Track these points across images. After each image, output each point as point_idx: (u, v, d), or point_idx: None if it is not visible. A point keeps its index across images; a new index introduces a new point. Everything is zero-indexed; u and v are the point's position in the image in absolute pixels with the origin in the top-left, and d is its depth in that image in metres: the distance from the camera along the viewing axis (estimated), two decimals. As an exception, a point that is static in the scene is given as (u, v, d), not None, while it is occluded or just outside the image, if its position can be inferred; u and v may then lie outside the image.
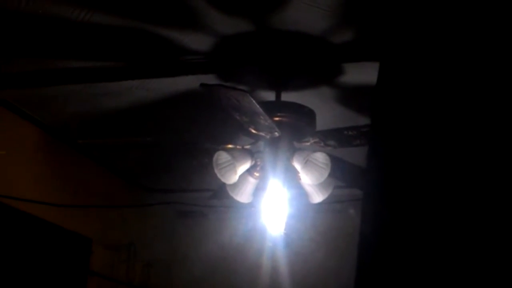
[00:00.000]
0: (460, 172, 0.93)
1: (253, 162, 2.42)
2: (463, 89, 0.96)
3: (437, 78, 1.00)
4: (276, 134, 2.32)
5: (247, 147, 2.44)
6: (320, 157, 2.31)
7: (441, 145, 0.96)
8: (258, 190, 2.52)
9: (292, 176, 2.42)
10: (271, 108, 2.35)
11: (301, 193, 2.50)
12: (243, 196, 2.50)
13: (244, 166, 2.38)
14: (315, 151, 2.34)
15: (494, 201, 0.90)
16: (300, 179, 2.40)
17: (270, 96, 2.59)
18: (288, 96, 2.56)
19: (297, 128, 2.42)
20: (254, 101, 2.06)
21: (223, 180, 2.38)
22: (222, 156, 2.34)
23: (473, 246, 0.89)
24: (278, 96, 2.52)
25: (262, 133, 2.33)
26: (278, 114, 2.40)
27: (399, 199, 0.99)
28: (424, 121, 0.99)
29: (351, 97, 2.70)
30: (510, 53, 0.94)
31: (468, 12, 0.99)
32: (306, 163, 2.32)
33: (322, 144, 2.44)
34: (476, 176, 0.92)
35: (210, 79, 2.55)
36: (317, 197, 2.48)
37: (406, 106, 1.03)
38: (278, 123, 2.34)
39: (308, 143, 2.46)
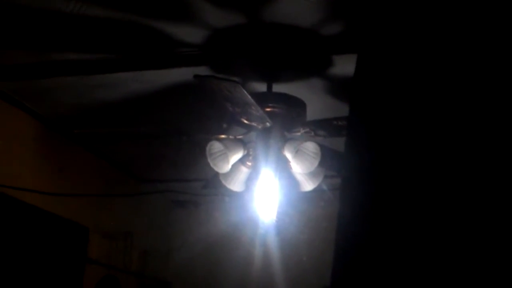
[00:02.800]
0: (436, 159, 0.95)
1: (246, 151, 2.45)
2: (438, 80, 1.00)
3: (414, 68, 1.02)
4: (268, 124, 2.35)
5: (240, 137, 2.47)
6: (311, 146, 2.33)
7: (418, 131, 0.98)
8: (250, 179, 2.55)
9: (283, 165, 2.44)
10: (262, 99, 2.38)
11: (292, 182, 2.54)
12: (235, 185, 2.53)
13: (236, 156, 2.41)
14: (305, 141, 2.37)
15: (464, 185, 0.92)
16: (291, 168, 2.44)
17: (261, 87, 2.62)
18: (279, 88, 2.59)
19: (288, 118, 2.45)
20: (246, 92, 2.09)
21: (216, 169, 2.41)
22: (215, 146, 2.36)
23: (447, 234, 0.91)
24: (269, 87, 2.56)
25: (254, 124, 2.36)
26: (270, 105, 2.43)
27: (377, 185, 1.00)
28: (401, 108, 1.01)
29: (341, 88, 2.73)
30: (480, 51, 0.97)
31: (445, 11, 1.03)
32: (297, 153, 2.35)
33: (312, 134, 2.47)
34: (450, 163, 0.94)
35: (204, 70, 2.58)
36: (308, 186, 2.50)
37: (383, 94, 1.05)
38: (270, 114, 2.36)
39: (299, 133, 2.48)
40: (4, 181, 2.91)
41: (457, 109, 0.95)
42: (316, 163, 2.35)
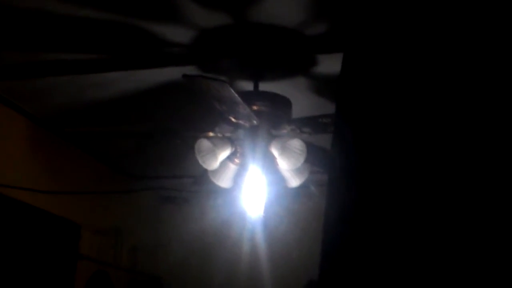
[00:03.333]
0: (421, 159, 0.95)
1: (233, 149, 2.49)
2: (424, 80, 0.98)
3: (399, 68, 1.02)
4: (255, 122, 2.39)
5: (228, 135, 2.50)
6: (297, 143, 2.37)
7: (403, 131, 0.98)
8: (238, 175, 2.58)
9: (270, 162, 2.48)
10: (249, 98, 2.42)
11: (279, 178, 2.60)
12: (224, 181, 2.57)
13: (224, 153, 2.45)
14: (291, 138, 2.41)
15: (448, 181, 0.92)
16: (277, 164, 2.47)
17: (248, 86, 2.66)
18: (265, 86, 2.63)
19: (274, 116, 2.49)
20: (233, 91, 2.12)
21: (205, 166, 2.45)
22: (203, 144, 2.40)
23: (430, 233, 0.92)
24: (256, 86, 2.59)
25: (241, 122, 2.39)
26: (256, 103, 2.47)
27: (362, 185, 1.01)
28: (386, 108, 1.02)
29: (325, 87, 2.77)
30: (465, 51, 0.96)
31: (430, 10, 1.01)
32: (283, 150, 2.39)
33: (298, 131, 2.50)
34: (435, 160, 0.94)
35: (192, 70, 2.62)
36: (294, 182, 2.54)
37: (369, 95, 1.06)
38: (256, 112, 2.40)
39: (285, 131, 2.52)
40: (-4, 179, 2.95)
41: (443, 109, 0.96)
42: (302, 159, 2.39)
